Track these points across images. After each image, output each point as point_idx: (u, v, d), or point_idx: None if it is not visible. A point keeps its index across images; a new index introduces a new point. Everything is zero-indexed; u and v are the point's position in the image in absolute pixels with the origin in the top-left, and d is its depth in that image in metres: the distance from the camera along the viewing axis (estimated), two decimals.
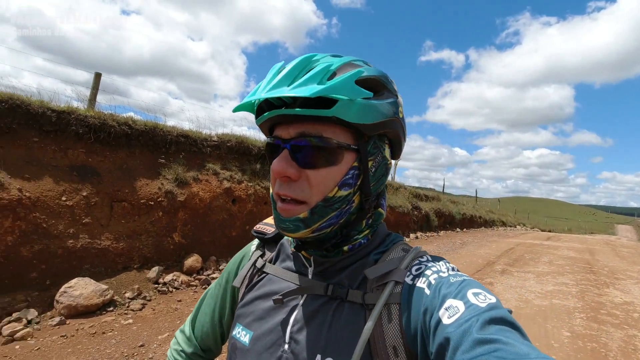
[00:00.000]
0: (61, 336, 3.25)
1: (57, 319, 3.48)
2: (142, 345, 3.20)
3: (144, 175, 5.23)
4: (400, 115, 0.60)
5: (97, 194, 4.58)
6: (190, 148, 6.08)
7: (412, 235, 12.03)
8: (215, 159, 6.40)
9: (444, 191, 21.49)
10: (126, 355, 3.02)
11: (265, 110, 0.56)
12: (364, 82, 0.55)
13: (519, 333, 0.43)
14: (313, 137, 0.53)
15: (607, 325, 4.40)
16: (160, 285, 4.61)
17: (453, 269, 0.57)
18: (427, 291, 0.52)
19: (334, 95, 0.50)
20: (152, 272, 4.68)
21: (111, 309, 3.89)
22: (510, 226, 24.27)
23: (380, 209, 0.65)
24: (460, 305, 0.47)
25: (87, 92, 5.90)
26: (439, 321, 0.47)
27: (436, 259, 0.60)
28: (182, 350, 0.79)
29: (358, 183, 0.57)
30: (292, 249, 0.66)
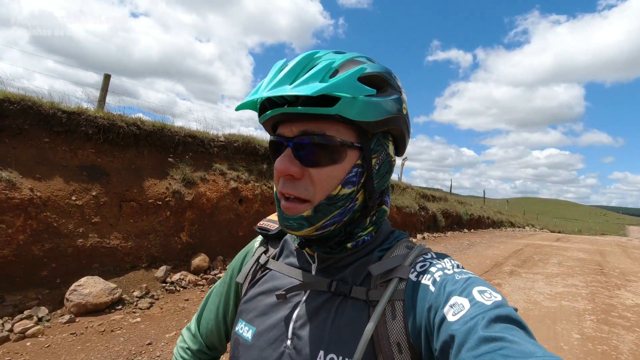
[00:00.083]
0: (71, 334, 3.29)
1: (67, 316, 3.53)
2: (149, 344, 3.23)
3: (152, 175, 5.28)
4: (405, 112, 0.60)
5: (106, 193, 4.64)
6: (197, 148, 6.13)
7: (419, 236, 11.97)
8: (222, 159, 6.44)
9: (452, 192, 21.34)
10: (134, 353, 3.05)
11: (268, 109, 0.56)
12: (366, 79, 0.54)
13: (524, 331, 0.42)
14: (316, 135, 0.53)
15: (618, 327, 4.33)
16: (168, 285, 4.65)
17: (458, 267, 0.56)
18: (432, 288, 0.52)
19: (336, 93, 0.49)
20: (160, 271, 4.72)
21: (120, 307, 3.93)
22: (519, 227, 23.99)
23: (384, 206, 0.64)
24: (465, 302, 0.46)
25: (97, 94, 5.98)
26: (444, 318, 0.46)
27: (441, 256, 0.60)
28: (188, 348, 0.80)
29: (362, 181, 0.57)
30: (296, 245, 0.66)
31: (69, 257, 4.08)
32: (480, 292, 0.48)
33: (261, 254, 0.72)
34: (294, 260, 0.66)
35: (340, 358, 0.52)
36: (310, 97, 0.51)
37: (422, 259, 0.59)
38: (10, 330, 3.17)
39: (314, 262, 0.63)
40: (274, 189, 0.60)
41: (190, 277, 4.93)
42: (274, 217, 0.76)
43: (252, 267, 0.71)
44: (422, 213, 12.82)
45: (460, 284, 0.50)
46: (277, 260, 0.69)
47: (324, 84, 0.49)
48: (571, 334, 4.07)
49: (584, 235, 26.98)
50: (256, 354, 0.59)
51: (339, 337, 0.53)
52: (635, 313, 4.93)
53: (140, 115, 5.88)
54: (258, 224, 0.76)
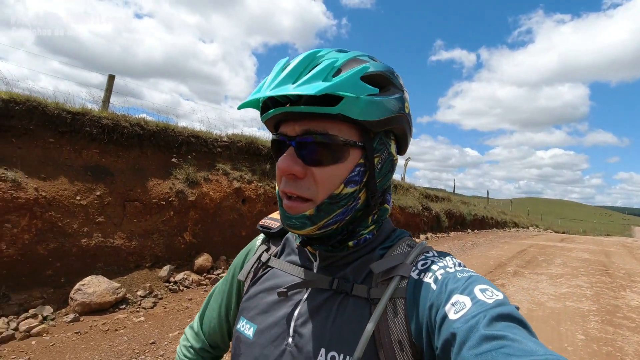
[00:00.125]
0: (75, 332, 3.31)
1: (72, 315, 3.56)
2: (153, 343, 3.25)
3: (156, 175, 5.31)
4: (407, 111, 0.60)
5: (110, 193, 4.66)
6: (200, 148, 6.15)
7: (422, 236, 11.93)
8: (225, 160, 6.46)
9: (455, 192, 21.28)
10: (138, 352, 3.06)
11: (271, 107, 0.55)
12: (369, 78, 0.54)
13: (526, 330, 0.42)
14: (318, 134, 0.53)
15: (623, 328, 4.29)
16: (171, 284, 4.67)
17: (460, 265, 0.56)
18: (434, 286, 0.52)
19: (339, 93, 0.49)
20: (164, 271, 4.74)
21: (123, 306, 3.95)
22: (523, 227, 23.87)
23: (385, 205, 0.64)
24: (467, 301, 0.46)
25: (101, 94, 6.02)
26: (445, 316, 0.46)
27: (442, 254, 0.60)
28: (191, 346, 0.80)
29: (364, 180, 0.57)
30: (298, 243, 0.66)
31: (74, 256, 4.10)
32: (482, 290, 0.48)
33: (263, 252, 0.72)
34: (295, 258, 0.67)
35: (342, 356, 0.52)
36: (313, 96, 0.51)
37: (423, 257, 0.59)
38: (16, 329, 3.20)
39: (315, 260, 0.63)
40: (276, 188, 0.60)
41: (194, 276, 4.94)
42: (275, 215, 0.76)
43: (253, 265, 0.71)
44: (426, 213, 12.79)
45: (461, 282, 0.50)
46: (279, 258, 0.69)
47: (327, 83, 0.49)
48: (575, 335, 4.04)
49: (588, 235, 26.80)
50: (257, 352, 0.59)
51: (340, 335, 0.53)
52: None
53: (144, 115, 5.92)
54: (260, 222, 0.76)
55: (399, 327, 0.52)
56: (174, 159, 5.67)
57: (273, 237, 0.74)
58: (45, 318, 3.47)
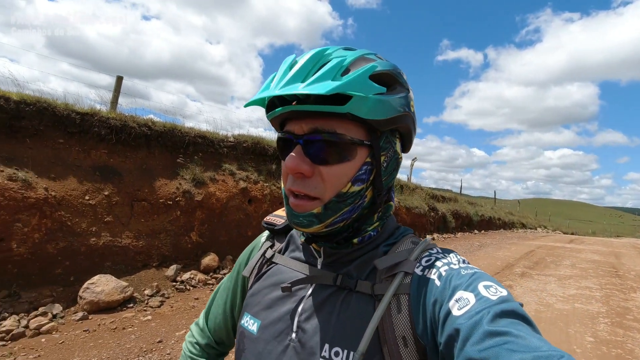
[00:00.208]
0: (84, 330, 3.36)
1: (80, 314, 3.60)
2: (160, 341, 3.28)
3: (163, 175, 5.35)
4: (412, 110, 0.60)
5: (118, 193, 4.72)
6: (207, 149, 6.19)
7: (428, 237, 11.78)
8: (231, 160, 6.50)
9: (462, 192, 21.13)
10: (145, 351, 3.09)
11: (278, 105, 0.55)
12: (377, 77, 0.54)
13: (530, 326, 0.42)
14: (327, 133, 0.53)
15: (634, 331, 4.23)
16: (178, 283, 4.71)
17: (464, 261, 0.56)
18: (437, 282, 0.52)
19: (348, 92, 0.50)
20: (171, 270, 4.78)
21: (131, 305, 4.00)
22: (531, 228, 23.62)
23: (390, 202, 0.65)
24: (470, 297, 0.46)
25: (109, 95, 6.09)
26: (449, 312, 0.47)
27: (446, 251, 0.60)
28: (197, 342, 0.81)
29: (371, 178, 0.57)
30: (302, 240, 0.66)
31: (82, 255, 4.16)
32: (486, 287, 0.48)
33: (267, 249, 0.72)
34: (299, 254, 0.67)
35: (346, 351, 0.52)
36: (322, 95, 0.51)
37: (427, 254, 0.59)
38: (26, 327, 3.25)
39: (319, 257, 0.64)
40: (282, 186, 0.60)
41: (200, 276, 4.98)
42: (280, 212, 0.76)
43: (258, 261, 0.71)
44: (432, 214, 12.72)
45: (465, 279, 0.50)
46: (283, 254, 0.70)
47: (337, 83, 0.49)
48: (584, 337, 3.99)
49: (598, 237, 26.43)
50: (261, 347, 0.60)
51: (344, 331, 0.54)
52: None
53: (152, 116, 5.98)
54: (265, 219, 0.77)
55: (403, 323, 0.52)
56: (180, 159, 5.71)
57: (277, 233, 0.75)
58: (54, 316, 3.52)
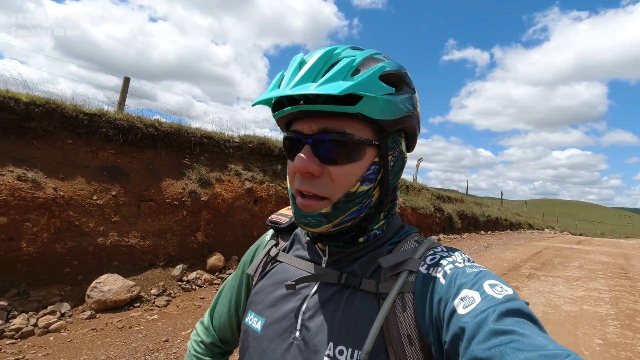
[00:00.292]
0: (91, 329, 3.39)
1: (88, 312, 3.64)
2: (166, 340, 3.30)
3: (169, 176, 5.39)
4: (418, 110, 0.60)
5: (125, 193, 4.76)
6: (213, 149, 6.22)
7: (434, 237, 11.81)
8: (237, 160, 6.53)
9: (468, 193, 20.99)
10: (151, 350, 3.12)
11: (286, 105, 0.55)
12: (386, 77, 0.54)
13: (535, 325, 0.42)
14: (336, 133, 0.53)
15: None
16: (184, 283, 4.74)
17: (469, 260, 0.56)
18: (443, 281, 0.52)
19: (360, 92, 0.50)
20: (177, 270, 4.81)
21: (138, 304, 4.03)
22: (538, 229, 23.39)
23: (395, 201, 0.65)
24: (476, 295, 0.46)
25: (117, 96, 6.16)
26: (454, 311, 0.46)
27: (451, 249, 0.60)
28: (202, 341, 0.81)
29: (378, 178, 0.58)
30: (307, 238, 0.66)
31: (90, 255, 4.20)
32: (491, 285, 0.48)
33: (272, 247, 0.72)
34: (304, 253, 0.67)
35: (350, 350, 0.52)
36: (333, 95, 0.51)
37: (432, 252, 0.59)
38: (35, 325, 3.29)
39: (324, 255, 0.64)
40: (288, 186, 0.60)
41: (206, 276, 5.00)
42: (284, 211, 0.77)
43: (262, 259, 0.71)
44: (438, 214, 12.65)
45: (471, 277, 0.50)
46: (288, 253, 0.70)
47: (349, 83, 0.49)
48: (593, 339, 3.94)
49: (607, 238, 26.09)
50: (265, 345, 0.60)
51: (349, 329, 0.54)
52: None
53: (158, 117, 6.04)
54: (269, 218, 0.77)
55: (408, 321, 0.52)
56: (187, 160, 5.75)
57: (282, 232, 0.75)
58: (63, 314, 3.56)
